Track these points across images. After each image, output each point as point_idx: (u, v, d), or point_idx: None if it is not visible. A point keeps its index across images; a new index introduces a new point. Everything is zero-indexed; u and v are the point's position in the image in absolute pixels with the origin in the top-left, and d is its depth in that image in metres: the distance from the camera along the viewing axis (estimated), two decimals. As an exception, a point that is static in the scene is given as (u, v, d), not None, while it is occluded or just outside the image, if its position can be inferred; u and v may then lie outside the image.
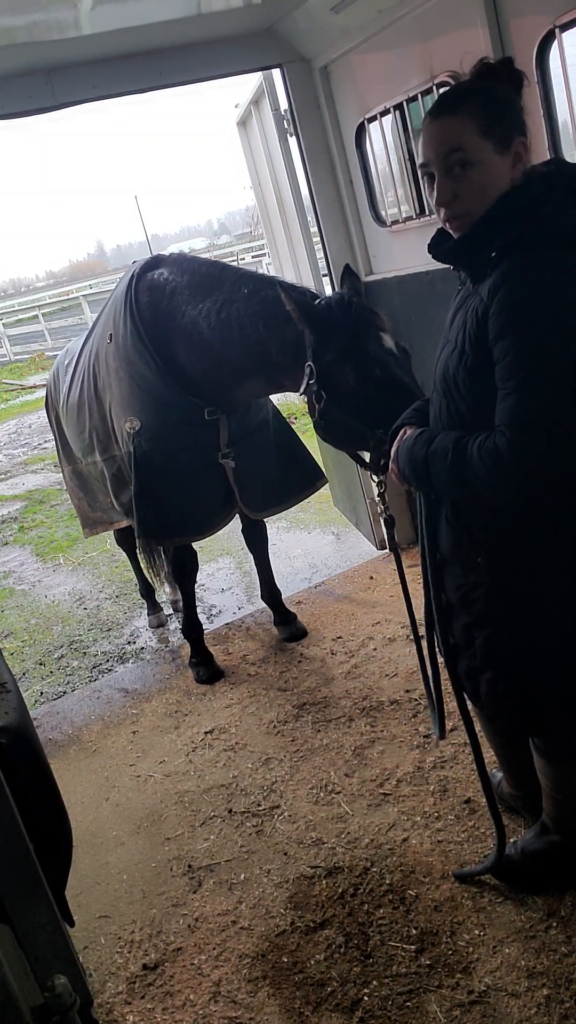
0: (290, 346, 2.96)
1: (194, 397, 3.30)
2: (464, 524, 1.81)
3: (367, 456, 2.91)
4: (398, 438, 1.92)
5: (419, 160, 1.71)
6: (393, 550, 2.41)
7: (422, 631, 2.17)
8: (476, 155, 1.61)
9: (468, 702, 2.07)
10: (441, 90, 2.97)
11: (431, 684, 2.18)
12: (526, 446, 1.55)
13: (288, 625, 3.93)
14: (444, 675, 2.08)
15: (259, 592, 4.06)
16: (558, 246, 1.57)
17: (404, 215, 3.66)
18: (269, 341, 3.04)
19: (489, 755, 2.42)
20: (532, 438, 1.55)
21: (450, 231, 1.72)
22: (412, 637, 2.43)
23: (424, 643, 2.21)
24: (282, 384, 3.17)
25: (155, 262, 3.50)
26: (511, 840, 2.28)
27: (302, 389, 2.92)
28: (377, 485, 2.80)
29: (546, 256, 1.56)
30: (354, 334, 2.80)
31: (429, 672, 2.18)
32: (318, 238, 4.23)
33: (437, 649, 2.08)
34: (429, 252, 1.80)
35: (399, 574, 2.48)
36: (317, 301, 2.93)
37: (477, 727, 2.24)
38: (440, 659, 2.07)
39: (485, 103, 1.62)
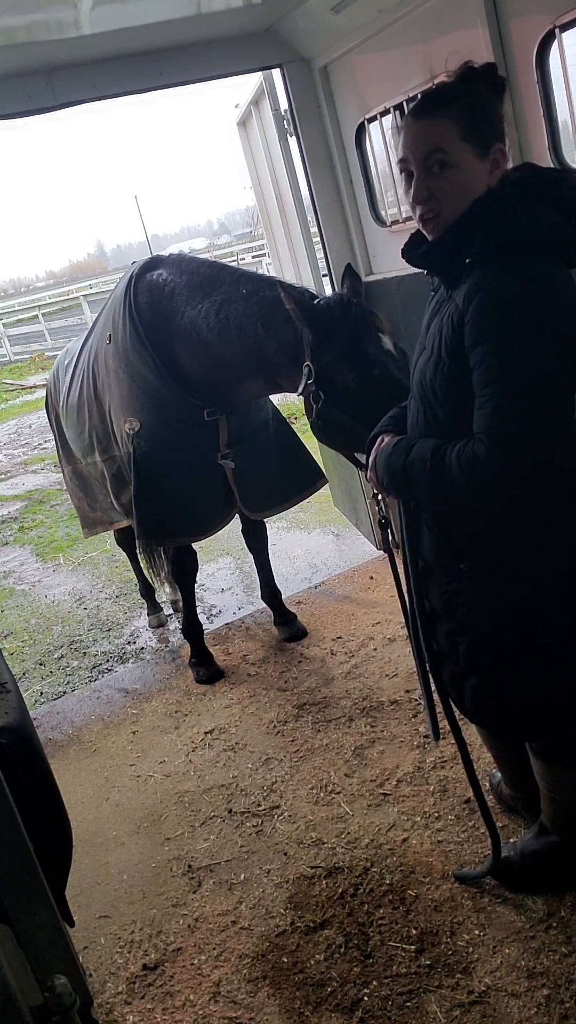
0: (289, 346, 2.96)
1: (194, 397, 3.31)
2: (445, 531, 1.80)
3: (363, 458, 2.91)
4: (375, 447, 1.91)
5: (398, 156, 1.72)
6: (387, 552, 2.40)
7: None
8: (456, 157, 1.63)
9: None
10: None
11: (424, 687, 2.18)
12: (504, 453, 1.54)
13: (288, 625, 3.93)
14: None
15: (259, 592, 4.07)
16: (532, 252, 1.57)
17: (404, 215, 3.65)
18: (267, 341, 3.04)
19: (490, 756, 2.42)
20: (510, 445, 1.54)
21: (424, 232, 1.73)
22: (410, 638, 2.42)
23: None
24: (281, 384, 3.17)
25: (154, 263, 3.49)
26: (511, 840, 2.28)
27: (300, 389, 2.92)
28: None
29: (520, 263, 1.56)
30: (353, 335, 2.79)
31: (421, 675, 2.18)
32: (318, 238, 4.23)
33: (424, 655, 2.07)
34: (403, 256, 1.79)
35: (394, 576, 2.48)
36: (316, 301, 2.93)
37: (473, 730, 2.24)
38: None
39: (468, 107, 1.64)
